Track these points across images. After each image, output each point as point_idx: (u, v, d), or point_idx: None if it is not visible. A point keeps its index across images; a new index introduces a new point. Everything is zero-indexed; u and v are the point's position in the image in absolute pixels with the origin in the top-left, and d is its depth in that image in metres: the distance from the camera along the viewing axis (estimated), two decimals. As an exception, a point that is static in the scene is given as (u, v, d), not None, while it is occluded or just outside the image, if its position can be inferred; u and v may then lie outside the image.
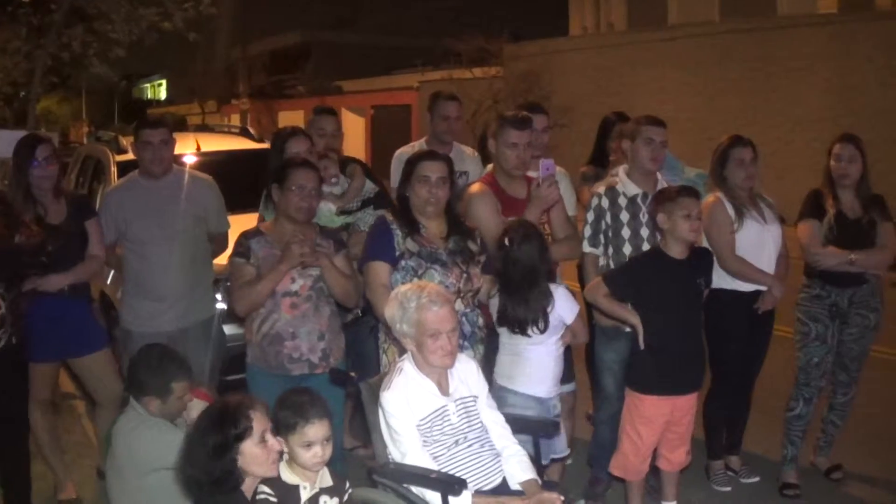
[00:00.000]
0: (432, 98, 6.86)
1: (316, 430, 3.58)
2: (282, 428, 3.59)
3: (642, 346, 4.98)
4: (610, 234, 5.43)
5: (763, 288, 5.68)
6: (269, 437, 3.50)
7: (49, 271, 5.42)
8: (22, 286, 5.24)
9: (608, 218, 5.42)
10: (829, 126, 16.06)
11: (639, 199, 5.40)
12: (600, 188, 5.52)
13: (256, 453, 3.45)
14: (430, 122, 6.79)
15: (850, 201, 5.72)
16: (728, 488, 5.94)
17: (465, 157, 6.83)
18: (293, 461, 3.64)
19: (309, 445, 3.58)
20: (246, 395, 3.63)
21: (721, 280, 5.57)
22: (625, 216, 5.40)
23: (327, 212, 5.60)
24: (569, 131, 20.17)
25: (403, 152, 6.57)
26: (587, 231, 5.47)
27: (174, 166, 5.98)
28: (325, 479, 3.69)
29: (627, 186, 5.45)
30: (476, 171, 6.49)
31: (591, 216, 5.48)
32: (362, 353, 5.80)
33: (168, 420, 4.35)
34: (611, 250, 5.43)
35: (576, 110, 21.80)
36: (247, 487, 3.50)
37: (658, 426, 5.07)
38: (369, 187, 6.05)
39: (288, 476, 3.63)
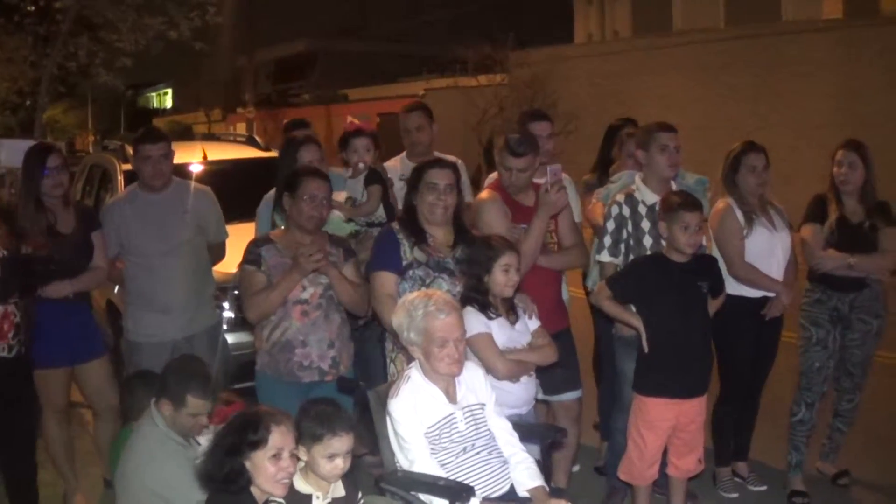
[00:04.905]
0: (400, 112, 6.75)
1: (342, 442, 3.61)
2: (306, 438, 3.60)
3: (646, 349, 4.99)
4: (632, 242, 5.38)
5: (771, 294, 5.69)
6: (286, 457, 3.51)
7: (55, 279, 5.46)
8: (33, 295, 5.28)
9: (629, 226, 5.39)
10: (834, 131, 15.98)
11: (658, 207, 5.35)
12: (619, 196, 5.48)
13: (266, 467, 3.47)
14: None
15: (854, 207, 5.73)
16: (735, 495, 5.94)
17: None
18: (310, 470, 3.65)
19: (332, 457, 3.60)
20: (280, 411, 3.64)
21: (729, 286, 5.57)
22: (646, 224, 5.36)
23: (336, 219, 5.61)
24: (574, 138, 20.14)
25: (388, 167, 6.54)
26: (607, 241, 5.41)
27: (173, 178, 6.00)
28: (338, 489, 3.71)
29: (645, 194, 5.42)
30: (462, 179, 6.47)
31: (611, 225, 5.42)
32: (369, 360, 5.82)
33: (178, 433, 4.37)
34: (631, 258, 5.38)
35: (581, 117, 21.75)
36: (259, 493, 3.52)
37: (662, 431, 5.07)
38: (381, 213, 6.03)
39: (301, 485, 3.64)
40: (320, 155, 5.96)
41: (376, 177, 6.06)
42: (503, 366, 4.52)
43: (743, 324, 5.72)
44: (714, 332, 5.30)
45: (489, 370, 4.48)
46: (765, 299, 5.71)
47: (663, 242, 5.15)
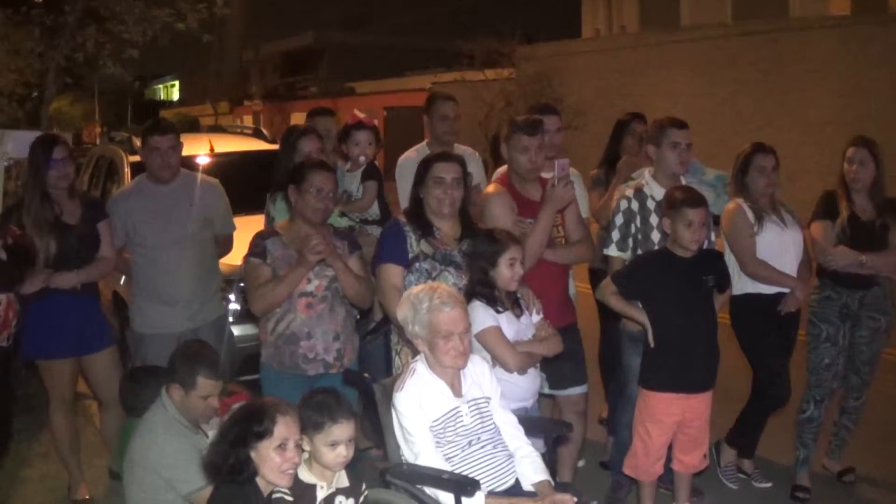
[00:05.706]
0: (429, 99, 6.74)
1: (343, 430, 3.61)
2: (308, 427, 3.61)
3: (652, 344, 4.99)
4: (640, 237, 5.38)
5: (786, 290, 5.68)
6: (291, 448, 3.52)
7: (61, 269, 5.47)
8: (23, 286, 5.28)
9: (638, 221, 5.39)
10: (840, 128, 16.04)
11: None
12: (628, 191, 5.48)
13: (271, 457, 3.49)
14: (429, 124, 6.65)
15: (864, 204, 5.73)
16: (736, 486, 5.97)
17: (468, 156, 6.74)
18: (314, 460, 3.66)
19: (334, 445, 3.61)
20: (284, 402, 3.65)
21: (744, 285, 5.59)
22: (654, 219, 5.35)
23: (332, 213, 5.60)
24: (581, 133, 20.15)
25: (409, 158, 6.51)
26: (615, 235, 5.42)
27: (181, 170, 6.01)
28: (342, 479, 3.71)
29: (655, 189, 5.42)
30: (477, 171, 6.44)
31: (619, 219, 5.42)
32: (369, 354, 5.82)
33: (188, 419, 4.38)
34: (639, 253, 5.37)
35: (588, 112, 21.76)
36: (264, 484, 3.54)
37: (668, 426, 5.07)
38: (375, 210, 6.02)
39: (305, 475, 3.65)
40: (320, 145, 5.95)
41: (374, 172, 6.06)
42: (514, 358, 4.52)
43: (761, 320, 5.70)
44: (737, 336, 5.27)
45: (500, 363, 4.49)
46: (780, 295, 5.68)
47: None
